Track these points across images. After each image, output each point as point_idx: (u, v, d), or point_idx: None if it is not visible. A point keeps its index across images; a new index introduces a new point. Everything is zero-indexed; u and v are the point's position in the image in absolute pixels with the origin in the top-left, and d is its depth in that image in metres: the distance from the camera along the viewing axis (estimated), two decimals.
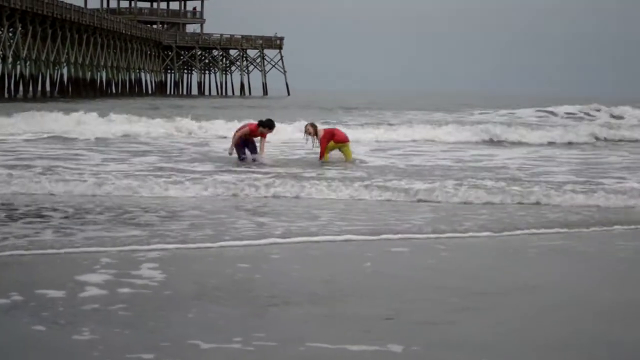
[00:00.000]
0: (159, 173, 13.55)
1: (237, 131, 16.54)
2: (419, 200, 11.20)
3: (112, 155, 17.06)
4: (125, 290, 6.00)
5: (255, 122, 16.60)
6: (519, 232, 8.95)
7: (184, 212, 9.93)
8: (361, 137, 22.42)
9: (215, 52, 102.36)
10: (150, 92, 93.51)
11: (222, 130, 23.11)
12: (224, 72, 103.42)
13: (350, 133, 18.33)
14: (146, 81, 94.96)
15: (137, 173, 13.48)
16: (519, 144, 23.00)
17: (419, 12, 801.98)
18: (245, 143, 16.24)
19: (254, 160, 15.98)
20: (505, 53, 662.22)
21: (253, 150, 16.29)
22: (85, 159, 16.05)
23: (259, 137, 16.38)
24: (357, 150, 17.67)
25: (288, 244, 7.98)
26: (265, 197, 11.40)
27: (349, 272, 6.82)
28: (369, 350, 4.76)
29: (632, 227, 9.43)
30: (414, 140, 23.12)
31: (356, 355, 4.69)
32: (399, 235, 8.50)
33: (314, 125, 16.69)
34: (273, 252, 7.60)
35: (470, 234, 8.76)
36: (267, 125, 16.23)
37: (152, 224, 8.97)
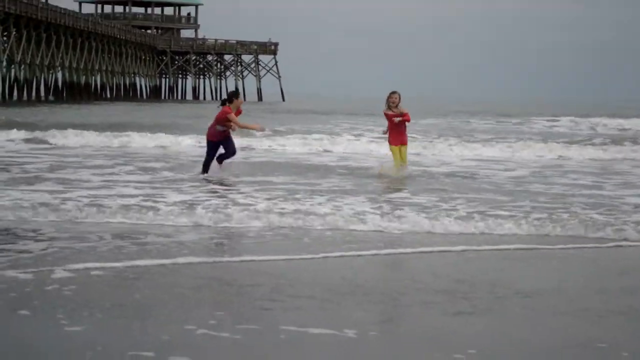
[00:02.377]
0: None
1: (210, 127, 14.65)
2: None
3: None
4: None
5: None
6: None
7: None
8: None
9: (209, 57, 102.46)
10: (144, 96, 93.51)
11: None
12: (218, 77, 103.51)
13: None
14: (141, 86, 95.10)
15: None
16: None
17: (416, 17, 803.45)
18: (220, 138, 14.30)
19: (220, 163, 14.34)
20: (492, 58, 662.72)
21: (228, 149, 14.32)
22: None
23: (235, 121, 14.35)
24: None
25: None
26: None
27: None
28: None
29: None
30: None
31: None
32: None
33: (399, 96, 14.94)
34: None
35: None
36: (230, 97, 14.41)
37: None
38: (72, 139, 22.78)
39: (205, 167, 14.41)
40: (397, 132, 14.92)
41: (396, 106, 14.75)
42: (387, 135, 15.29)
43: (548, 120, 42.34)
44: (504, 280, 6.97)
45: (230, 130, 14.44)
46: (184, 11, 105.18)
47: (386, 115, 14.98)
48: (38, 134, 23.62)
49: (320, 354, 4.86)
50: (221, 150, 14.42)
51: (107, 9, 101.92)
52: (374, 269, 7.48)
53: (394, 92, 14.83)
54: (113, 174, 14.57)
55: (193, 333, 5.10)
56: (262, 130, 15.87)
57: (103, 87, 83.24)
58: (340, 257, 7.76)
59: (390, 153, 15.27)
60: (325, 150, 21.73)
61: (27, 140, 22.53)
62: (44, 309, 5.64)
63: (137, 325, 5.30)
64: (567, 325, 5.62)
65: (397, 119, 14.69)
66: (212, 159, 14.37)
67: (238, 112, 14.41)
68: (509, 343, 5.20)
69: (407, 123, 14.90)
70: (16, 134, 23.64)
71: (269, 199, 10.89)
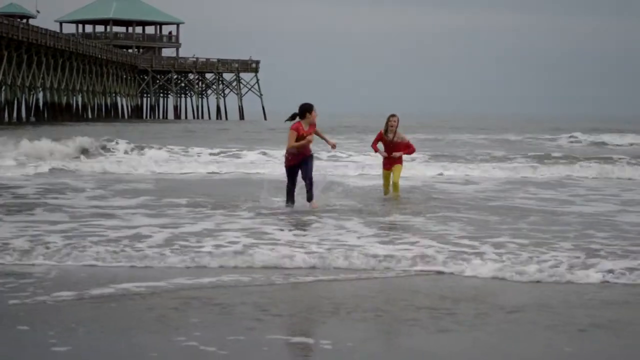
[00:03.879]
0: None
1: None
2: None
3: None
4: None
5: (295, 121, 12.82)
6: None
7: None
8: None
9: (191, 76, 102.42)
10: (126, 116, 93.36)
11: None
12: (200, 95, 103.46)
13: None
14: (122, 105, 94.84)
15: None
16: None
17: (398, 33, 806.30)
18: (296, 162, 12.70)
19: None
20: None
21: (305, 174, 12.66)
22: None
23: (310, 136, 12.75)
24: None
25: None
26: None
27: None
28: None
29: None
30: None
31: None
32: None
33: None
34: None
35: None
36: (303, 112, 12.70)
37: None
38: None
39: (289, 196, 12.93)
40: (390, 156, 14.08)
41: (394, 130, 13.91)
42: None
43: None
44: (486, 297, 7.13)
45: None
46: (165, 30, 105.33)
47: (382, 140, 14.11)
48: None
49: None
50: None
51: (88, 28, 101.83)
52: (357, 289, 7.61)
53: (393, 115, 13.99)
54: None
55: None
56: (334, 146, 13.66)
57: (85, 107, 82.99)
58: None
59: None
60: None
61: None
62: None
63: None
64: (549, 339, 5.78)
65: (396, 154, 13.94)
66: (294, 185, 12.82)
67: (312, 128, 12.73)
68: (493, 358, 5.34)
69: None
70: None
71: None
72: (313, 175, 12.76)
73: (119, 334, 5.76)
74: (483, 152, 29.57)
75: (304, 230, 10.78)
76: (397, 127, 13.85)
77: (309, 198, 12.63)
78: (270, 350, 5.40)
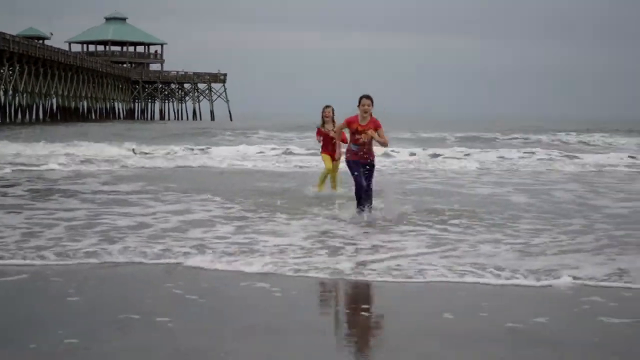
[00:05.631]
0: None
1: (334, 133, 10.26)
2: None
3: None
4: None
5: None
6: None
7: None
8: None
9: (172, 86, 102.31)
10: (121, 117, 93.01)
11: None
12: (180, 101, 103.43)
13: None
14: (118, 109, 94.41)
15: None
16: None
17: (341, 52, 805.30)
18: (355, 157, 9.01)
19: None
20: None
21: (368, 176, 9.02)
22: None
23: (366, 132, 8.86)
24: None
25: None
26: None
27: None
28: None
29: None
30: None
31: None
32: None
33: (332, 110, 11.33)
34: None
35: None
36: (363, 97, 8.84)
37: None
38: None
39: (357, 197, 9.10)
40: (332, 147, 11.03)
41: (331, 121, 11.24)
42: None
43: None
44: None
45: (376, 147, 9.08)
46: (152, 49, 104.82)
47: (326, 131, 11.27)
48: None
49: None
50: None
51: (91, 48, 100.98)
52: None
53: (327, 106, 11.31)
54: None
55: None
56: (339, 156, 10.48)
57: (89, 110, 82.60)
58: None
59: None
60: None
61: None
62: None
63: None
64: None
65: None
66: (360, 185, 8.96)
67: (374, 123, 9.09)
68: None
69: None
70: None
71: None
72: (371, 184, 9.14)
73: None
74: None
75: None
76: (332, 116, 11.28)
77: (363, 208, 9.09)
78: None
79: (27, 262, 6.73)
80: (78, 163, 19.57)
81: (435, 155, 23.95)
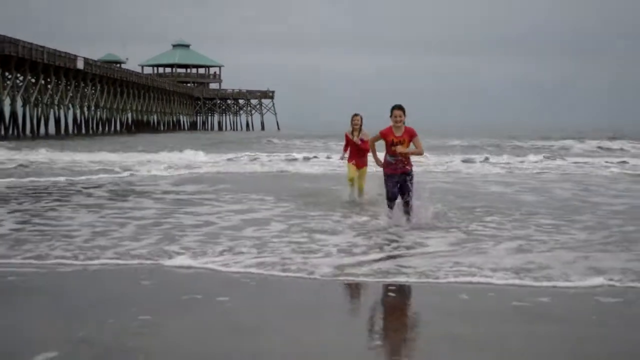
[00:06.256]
0: None
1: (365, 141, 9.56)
2: None
3: None
4: None
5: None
6: None
7: None
8: None
9: (229, 101, 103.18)
10: (185, 129, 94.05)
11: None
12: (235, 114, 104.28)
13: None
14: (183, 121, 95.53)
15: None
16: None
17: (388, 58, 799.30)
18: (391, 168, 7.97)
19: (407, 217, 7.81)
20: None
21: (404, 187, 7.93)
22: None
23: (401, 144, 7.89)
24: None
25: None
26: None
27: None
28: None
29: None
30: None
31: None
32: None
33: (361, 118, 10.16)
34: None
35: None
36: (394, 108, 7.90)
37: None
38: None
39: (388, 206, 8.05)
40: (356, 155, 10.23)
41: (359, 129, 10.15)
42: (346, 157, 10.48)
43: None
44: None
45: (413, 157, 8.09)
46: (212, 71, 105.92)
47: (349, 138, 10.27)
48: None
49: None
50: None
51: (160, 70, 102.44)
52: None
53: (356, 115, 10.12)
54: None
55: None
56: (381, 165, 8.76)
57: (158, 123, 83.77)
58: None
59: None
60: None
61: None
62: None
63: None
64: None
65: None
66: (394, 194, 7.97)
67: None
68: None
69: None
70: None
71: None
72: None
73: None
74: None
75: None
76: (361, 125, 10.21)
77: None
78: None
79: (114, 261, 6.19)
80: (180, 168, 19.03)
81: (467, 161, 22.34)
